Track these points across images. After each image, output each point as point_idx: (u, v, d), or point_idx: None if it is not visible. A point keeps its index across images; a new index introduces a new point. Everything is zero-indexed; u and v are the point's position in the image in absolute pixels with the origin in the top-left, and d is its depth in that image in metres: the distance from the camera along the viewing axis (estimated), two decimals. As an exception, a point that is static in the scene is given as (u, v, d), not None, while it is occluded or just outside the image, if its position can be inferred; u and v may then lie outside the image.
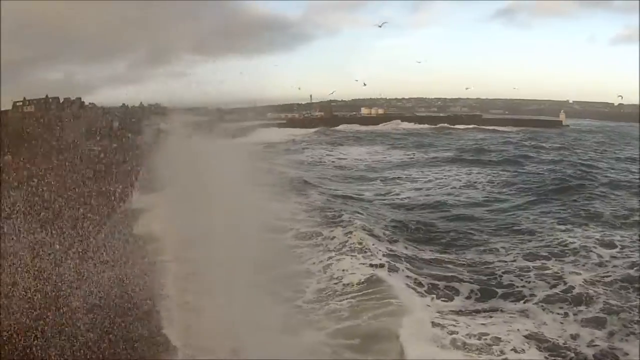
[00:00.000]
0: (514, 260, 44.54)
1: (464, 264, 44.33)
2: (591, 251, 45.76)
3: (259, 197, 60.19)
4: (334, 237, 48.31)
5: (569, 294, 36.51)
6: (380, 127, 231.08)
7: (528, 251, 47.10)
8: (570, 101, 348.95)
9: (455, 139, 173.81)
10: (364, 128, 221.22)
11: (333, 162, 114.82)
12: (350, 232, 49.08)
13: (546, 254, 46.02)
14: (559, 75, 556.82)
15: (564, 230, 52.27)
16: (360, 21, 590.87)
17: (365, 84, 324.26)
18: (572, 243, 47.99)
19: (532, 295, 37.35)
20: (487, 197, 71.43)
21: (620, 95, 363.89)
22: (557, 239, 49.59)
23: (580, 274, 40.75)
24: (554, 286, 38.20)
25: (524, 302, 36.47)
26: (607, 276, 40.25)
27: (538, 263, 43.34)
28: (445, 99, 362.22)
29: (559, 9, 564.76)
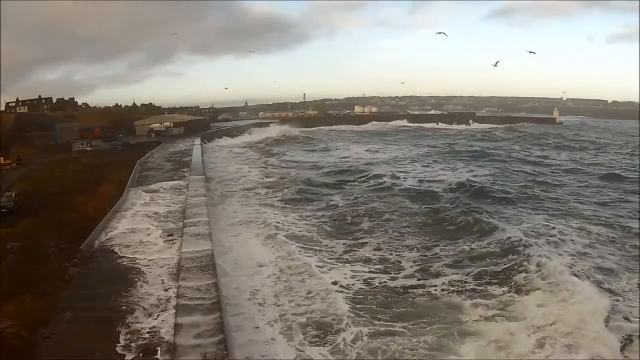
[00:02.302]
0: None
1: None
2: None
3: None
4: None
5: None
6: (370, 126, 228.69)
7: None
8: (564, 99, 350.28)
9: (447, 136, 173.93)
10: (357, 128, 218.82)
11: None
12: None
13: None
14: (553, 73, 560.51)
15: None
16: (359, 21, 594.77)
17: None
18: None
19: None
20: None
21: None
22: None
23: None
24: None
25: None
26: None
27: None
28: (439, 96, 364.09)
29: (557, 9, 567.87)
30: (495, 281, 37.76)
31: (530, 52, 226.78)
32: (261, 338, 28.25)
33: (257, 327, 29.54)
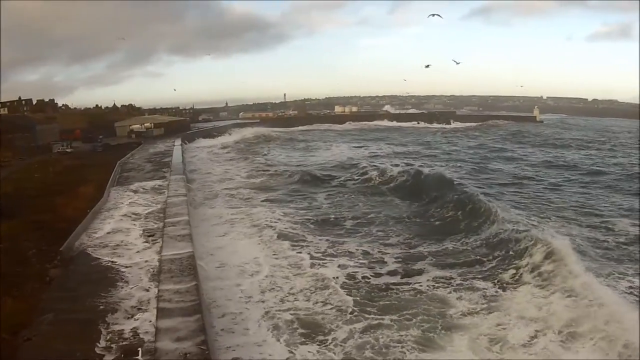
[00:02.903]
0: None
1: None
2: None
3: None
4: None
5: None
6: (348, 125, 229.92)
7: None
8: (544, 97, 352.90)
9: (426, 134, 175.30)
10: (337, 127, 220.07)
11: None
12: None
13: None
14: (534, 72, 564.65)
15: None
16: (339, 21, 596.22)
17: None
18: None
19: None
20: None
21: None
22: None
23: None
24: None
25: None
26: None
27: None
28: (419, 96, 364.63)
29: (536, 8, 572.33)
30: (480, 276, 37.96)
31: (455, 61, 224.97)
32: (251, 339, 27.83)
33: (247, 329, 29.14)
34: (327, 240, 47.70)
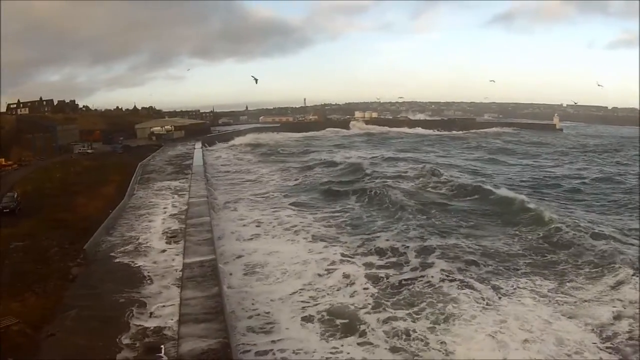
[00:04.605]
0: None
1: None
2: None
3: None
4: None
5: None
6: (356, 129, 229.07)
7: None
8: (564, 105, 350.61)
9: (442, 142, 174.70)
10: (346, 132, 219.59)
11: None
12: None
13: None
14: (554, 79, 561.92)
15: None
16: (361, 26, 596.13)
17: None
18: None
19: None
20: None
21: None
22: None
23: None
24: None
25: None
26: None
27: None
28: (439, 102, 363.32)
29: (557, 14, 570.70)
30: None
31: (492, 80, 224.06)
32: (281, 337, 27.84)
33: (279, 327, 29.08)
34: (358, 238, 47.53)
